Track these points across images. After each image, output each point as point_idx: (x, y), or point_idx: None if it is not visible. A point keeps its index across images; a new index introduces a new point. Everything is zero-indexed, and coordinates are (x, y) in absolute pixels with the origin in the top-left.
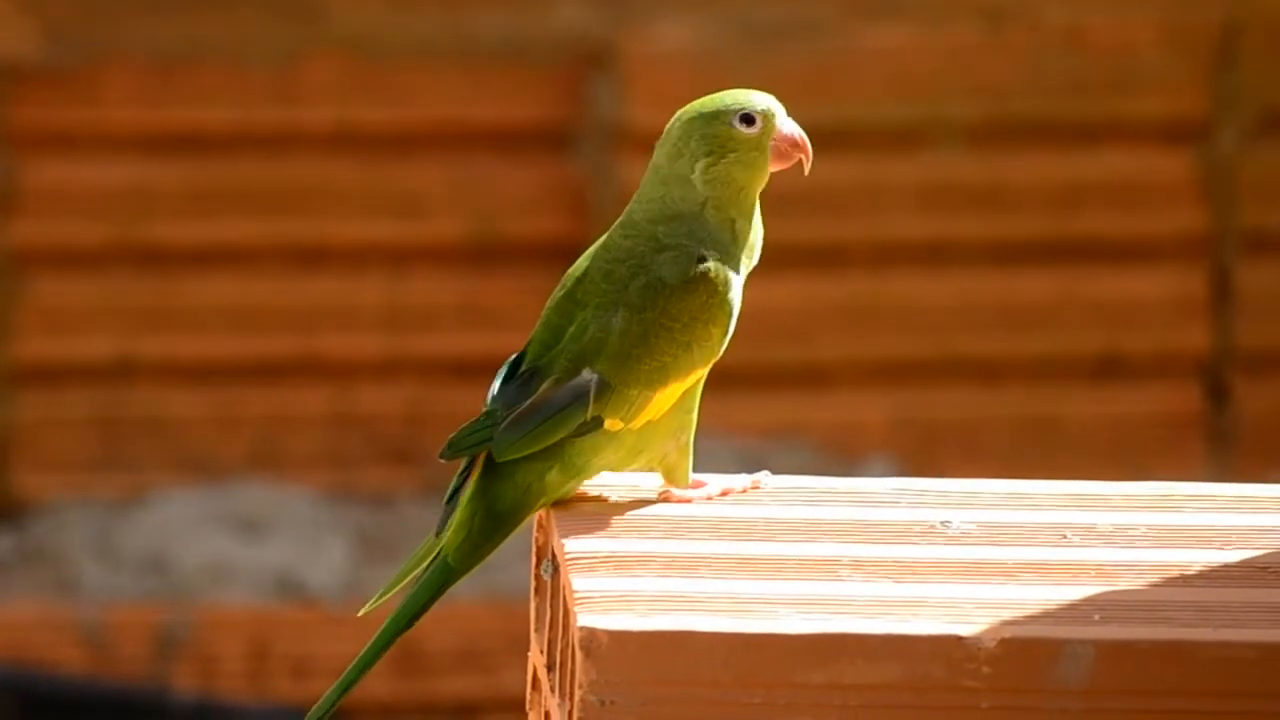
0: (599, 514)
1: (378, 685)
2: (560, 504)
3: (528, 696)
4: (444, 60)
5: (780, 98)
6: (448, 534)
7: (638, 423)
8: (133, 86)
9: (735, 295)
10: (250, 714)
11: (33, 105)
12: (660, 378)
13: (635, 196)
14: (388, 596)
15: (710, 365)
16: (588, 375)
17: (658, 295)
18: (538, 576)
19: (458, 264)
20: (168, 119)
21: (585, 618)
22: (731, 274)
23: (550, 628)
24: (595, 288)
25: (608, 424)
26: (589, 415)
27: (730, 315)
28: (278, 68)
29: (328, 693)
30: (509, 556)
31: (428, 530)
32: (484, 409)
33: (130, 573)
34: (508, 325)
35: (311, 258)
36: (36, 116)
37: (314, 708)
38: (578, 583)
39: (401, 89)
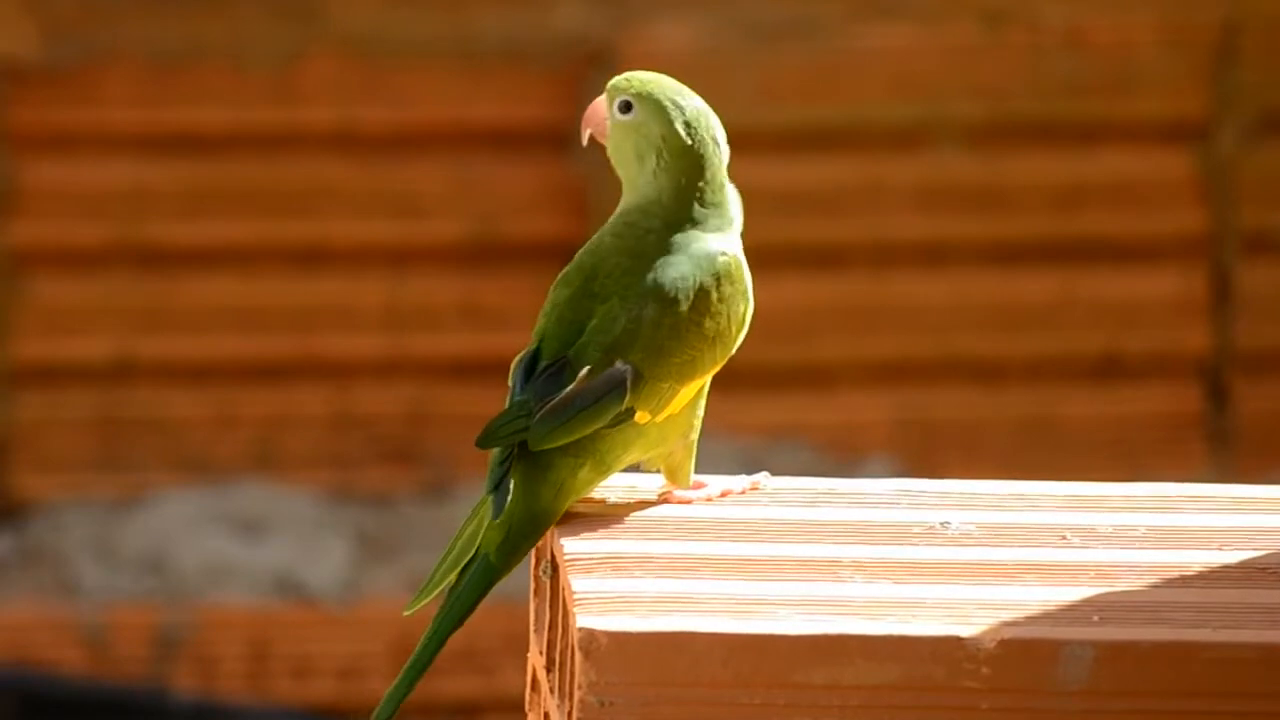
0: (598, 515)
1: (378, 685)
2: None
3: (527, 697)
4: (444, 60)
5: (780, 98)
6: (489, 533)
7: (661, 416)
8: (132, 86)
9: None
10: (250, 714)
11: (32, 105)
12: (690, 370)
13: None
14: (432, 596)
15: (724, 363)
16: (621, 367)
17: (689, 287)
18: (537, 577)
19: (458, 264)
20: (167, 119)
21: (584, 619)
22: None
23: (550, 629)
24: (616, 282)
25: (638, 416)
26: (624, 406)
27: (749, 305)
28: (278, 68)
29: (384, 701)
30: None
31: (429, 530)
32: (511, 401)
33: (130, 573)
34: (508, 325)
35: (311, 258)
36: (36, 116)
37: (373, 714)
38: (577, 584)
39: (401, 89)
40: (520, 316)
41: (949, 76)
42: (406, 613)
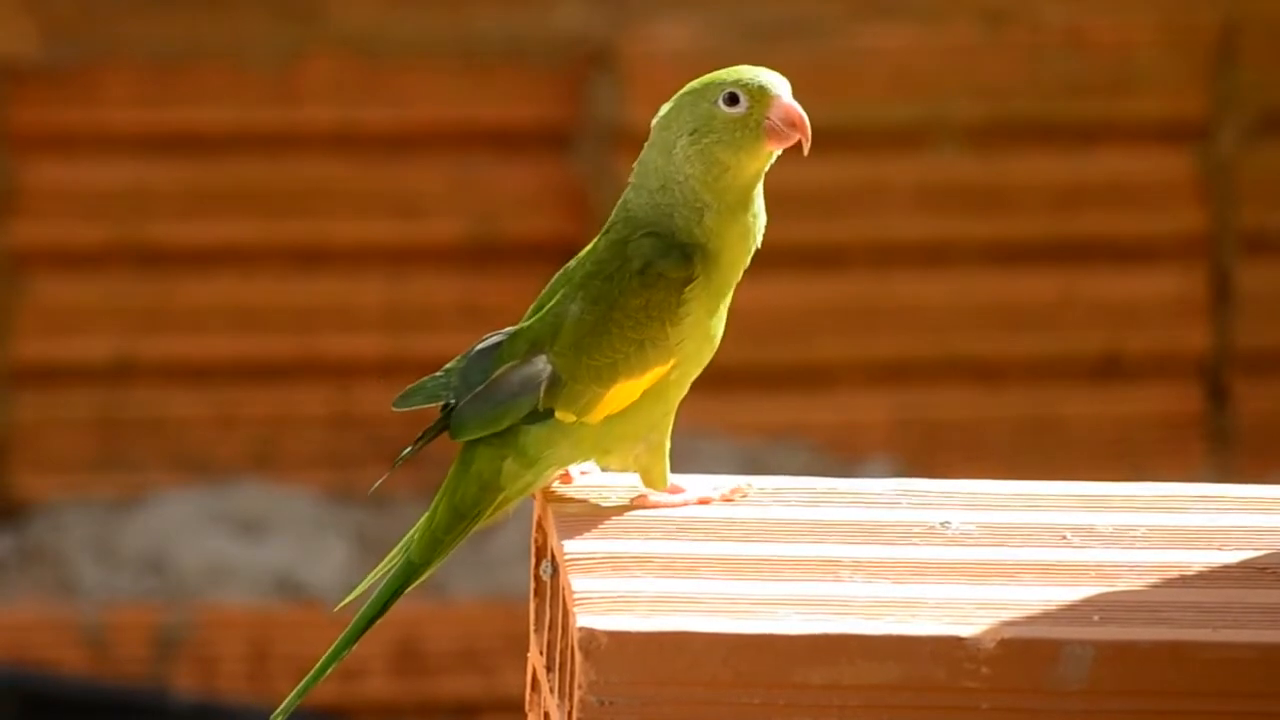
0: (599, 515)
1: (378, 685)
2: (560, 504)
3: (527, 697)
4: (444, 60)
5: None
6: (418, 528)
7: (594, 417)
8: (132, 86)
9: (699, 294)
10: (250, 714)
11: (32, 105)
12: (610, 374)
13: (635, 174)
14: (359, 593)
15: (675, 366)
16: (541, 364)
17: (613, 286)
18: (537, 577)
19: (458, 264)
20: (167, 119)
21: (585, 618)
22: (696, 271)
23: (550, 628)
24: (581, 268)
25: (559, 415)
26: (540, 406)
27: (682, 314)
28: (278, 68)
29: (293, 693)
30: (509, 556)
31: None
32: (446, 369)
33: (130, 573)
34: (508, 325)
35: (311, 258)
36: (36, 116)
37: (279, 707)
38: (577, 583)
39: (401, 89)
40: (520, 317)
41: (949, 76)
42: (336, 610)
